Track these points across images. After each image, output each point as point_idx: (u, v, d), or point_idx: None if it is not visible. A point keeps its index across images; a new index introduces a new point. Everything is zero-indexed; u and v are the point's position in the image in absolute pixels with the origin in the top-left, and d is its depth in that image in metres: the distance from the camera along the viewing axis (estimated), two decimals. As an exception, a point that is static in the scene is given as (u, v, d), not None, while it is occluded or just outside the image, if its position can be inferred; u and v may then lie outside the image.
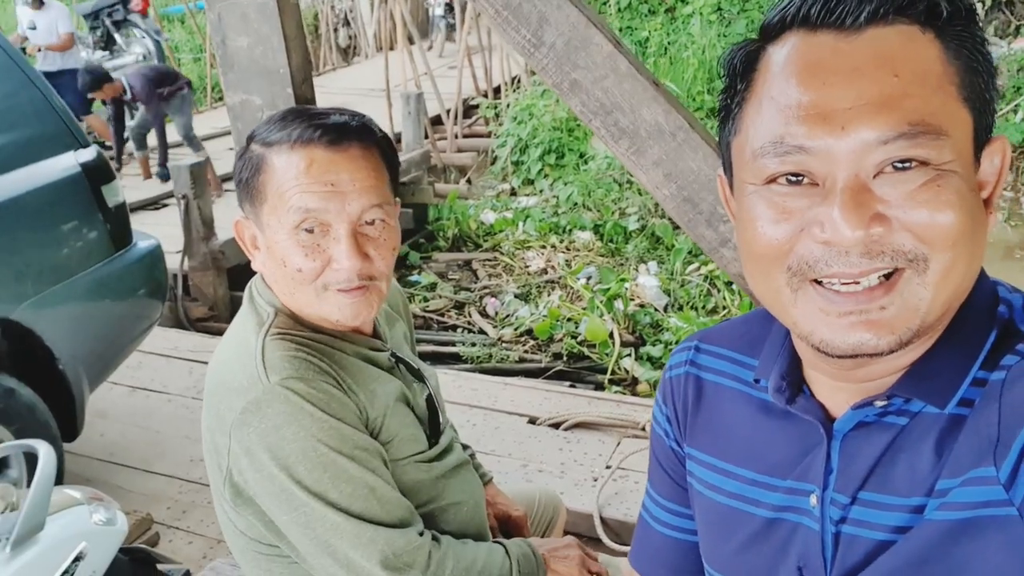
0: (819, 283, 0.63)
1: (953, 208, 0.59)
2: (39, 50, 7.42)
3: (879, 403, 0.68)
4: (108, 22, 8.62)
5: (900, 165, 0.59)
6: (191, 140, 6.86)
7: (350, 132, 1.09)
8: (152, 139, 6.92)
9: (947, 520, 0.62)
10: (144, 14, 8.46)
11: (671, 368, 0.90)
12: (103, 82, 6.52)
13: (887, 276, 0.61)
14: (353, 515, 1.06)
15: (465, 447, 1.50)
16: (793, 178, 0.62)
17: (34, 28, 7.45)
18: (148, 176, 6.96)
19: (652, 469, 0.95)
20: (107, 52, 8.74)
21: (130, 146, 7.06)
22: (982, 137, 0.63)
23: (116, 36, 8.70)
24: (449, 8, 11.64)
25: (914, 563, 0.64)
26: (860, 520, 0.69)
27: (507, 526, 1.52)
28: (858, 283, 0.61)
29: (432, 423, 1.27)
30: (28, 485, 1.58)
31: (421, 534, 1.13)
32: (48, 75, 7.51)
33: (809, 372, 0.75)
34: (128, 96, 6.53)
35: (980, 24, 0.63)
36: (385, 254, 1.13)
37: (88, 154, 2.63)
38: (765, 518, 0.77)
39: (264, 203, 1.10)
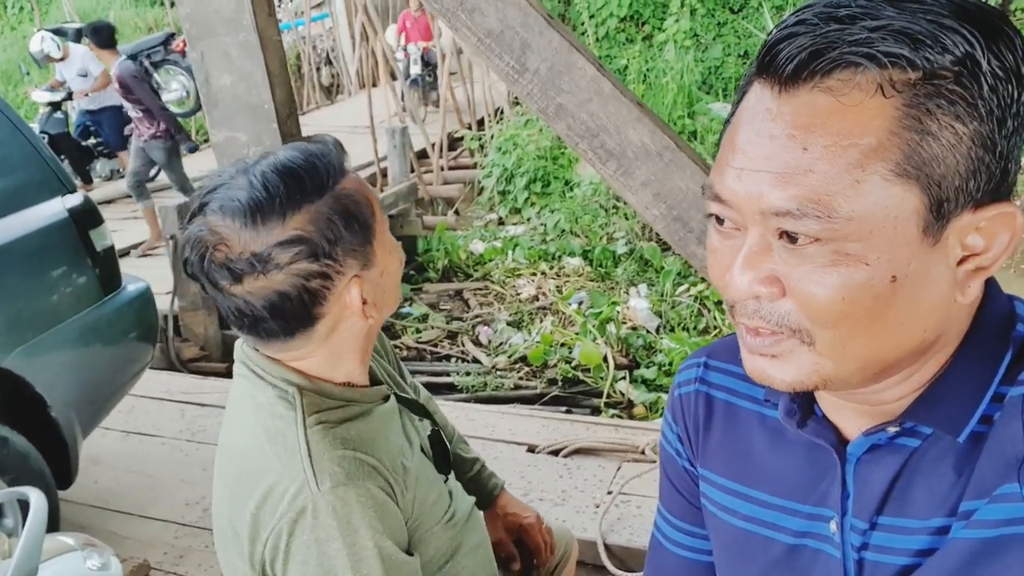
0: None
1: (834, 295, 0.57)
2: (86, 95, 7.45)
3: (892, 429, 0.66)
4: (147, 63, 8.70)
5: (789, 239, 0.58)
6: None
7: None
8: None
9: (973, 539, 0.61)
10: (183, 54, 8.53)
11: (680, 385, 0.88)
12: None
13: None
14: None
15: (474, 460, 1.49)
16: (720, 220, 0.64)
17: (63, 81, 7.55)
18: (159, 237, 6.07)
19: (664, 489, 0.93)
20: None
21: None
22: (944, 209, 0.56)
23: (155, 75, 8.77)
24: (427, 66, 10.03)
25: None
26: (881, 546, 0.68)
27: (520, 535, 1.51)
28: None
29: (439, 459, 1.24)
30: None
31: None
32: (89, 112, 7.63)
33: (820, 392, 0.72)
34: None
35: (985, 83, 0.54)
36: None
37: (75, 199, 2.62)
38: (786, 544, 0.75)
39: (375, 237, 1.04)
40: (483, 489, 1.51)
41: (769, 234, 0.60)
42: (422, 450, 1.20)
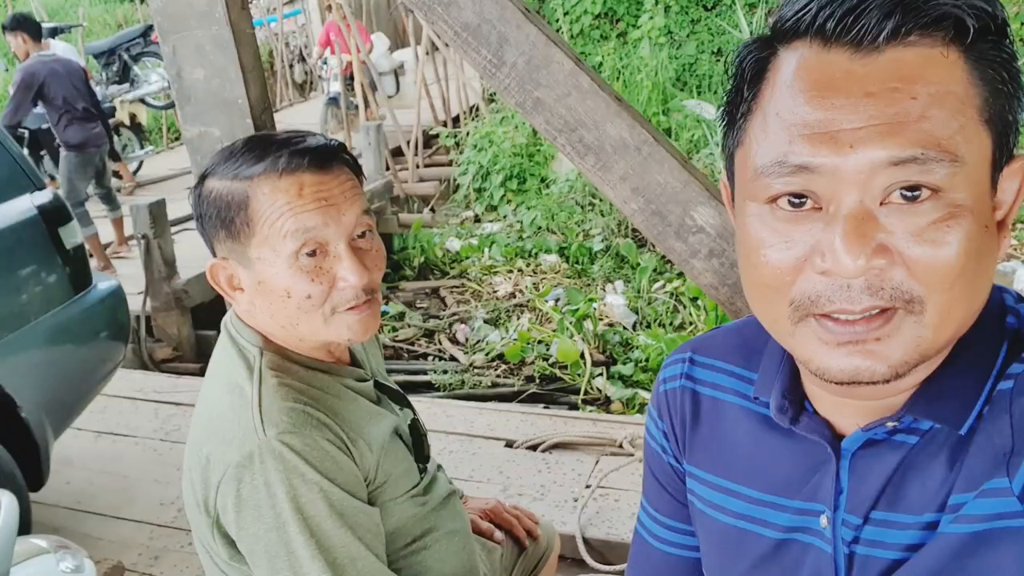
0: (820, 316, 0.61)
1: (957, 250, 0.57)
2: None
3: (891, 424, 0.66)
4: (126, 56, 8.50)
5: (909, 194, 0.56)
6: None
7: (333, 153, 1.10)
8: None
9: (961, 533, 0.61)
10: None
11: (665, 381, 0.87)
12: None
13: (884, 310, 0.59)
14: None
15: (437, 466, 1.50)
16: (795, 200, 0.60)
17: None
18: (108, 264, 5.74)
19: (648, 485, 0.92)
20: (125, 84, 8.59)
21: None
22: (1001, 159, 0.60)
23: (134, 68, 8.58)
24: (350, 84, 8.66)
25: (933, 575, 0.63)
26: (873, 540, 0.68)
27: (490, 515, 1.55)
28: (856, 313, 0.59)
29: (418, 448, 1.26)
30: (-5, 537, 1.53)
31: None
32: None
33: (811, 388, 0.72)
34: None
35: (1011, 39, 0.59)
36: (380, 264, 1.14)
37: (44, 196, 2.58)
38: (774, 539, 0.75)
39: (252, 237, 1.07)
40: None
41: (871, 198, 0.57)
42: (399, 434, 1.21)
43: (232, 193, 1.08)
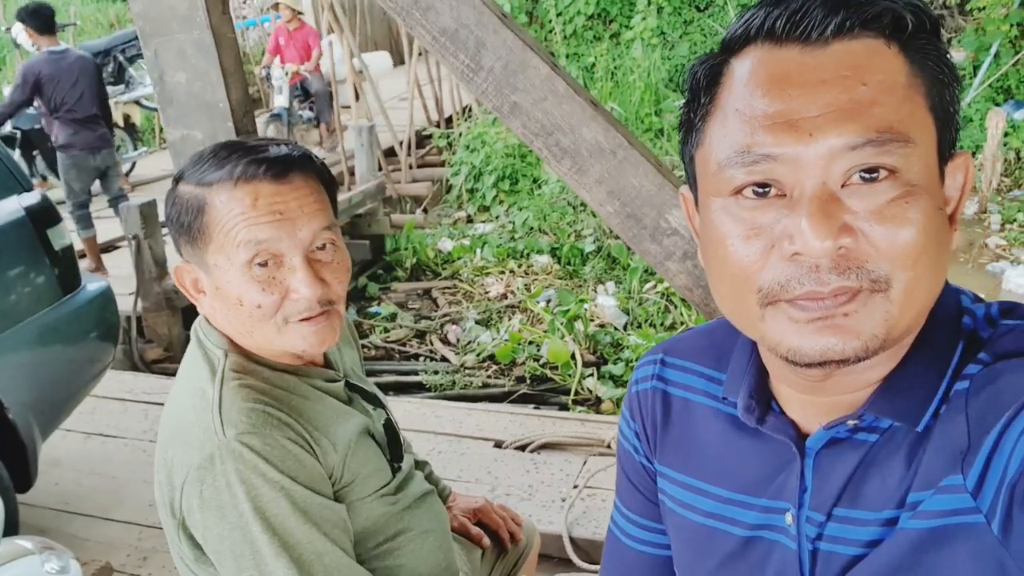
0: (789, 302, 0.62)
1: (917, 227, 0.59)
2: None
3: (851, 422, 0.68)
4: (121, 57, 8.42)
5: (868, 175, 0.59)
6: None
7: (292, 163, 1.09)
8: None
9: (919, 529, 0.63)
10: None
11: (637, 382, 0.89)
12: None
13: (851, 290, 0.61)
14: None
15: (423, 464, 1.51)
16: (760, 189, 0.62)
17: None
18: (100, 267, 5.65)
19: (621, 485, 0.94)
20: (120, 85, 8.51)
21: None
22: (946, 150, 0.63)
23: (129, 69, 8.49)
24: (304, 98, 7.94)
25: (890, 571, 0.64)
26: (835, 536, 0.69)
27: (479, 519, 1.57)
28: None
29: (393, 447, 1.27)
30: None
31: None
32: None
33: (778, 387, 0.74)
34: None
35: (943, 37, 0.64)
36: (341, 276, 1.13)
37: (32, 197, 2.59)
38: (742, 537, 0.77)
39: (209, 244, 1.08)
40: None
41: (833, 181, 0.59)
42: (371, 435, 1.23)
43: (193, 198, 1.08)
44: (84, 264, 5.26)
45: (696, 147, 0.68)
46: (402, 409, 3.46)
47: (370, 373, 5.20)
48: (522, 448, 3.07)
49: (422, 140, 8.78)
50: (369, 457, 1.20)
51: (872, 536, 0.67)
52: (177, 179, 1.13)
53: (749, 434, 0.77)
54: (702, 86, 0.67)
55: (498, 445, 3.13)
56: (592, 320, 5.35)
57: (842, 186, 0.60)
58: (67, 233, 2.72)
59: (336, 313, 1.14)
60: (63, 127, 5.46)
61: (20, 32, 6.02)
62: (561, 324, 5.20)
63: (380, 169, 7.41)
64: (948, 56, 0.63)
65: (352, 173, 7.06)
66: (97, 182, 5.80)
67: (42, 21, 5.37)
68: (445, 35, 1.36)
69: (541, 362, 4.98)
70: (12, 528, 2.41)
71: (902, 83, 0.60)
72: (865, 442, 0.68)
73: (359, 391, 1.27)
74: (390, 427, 1.30)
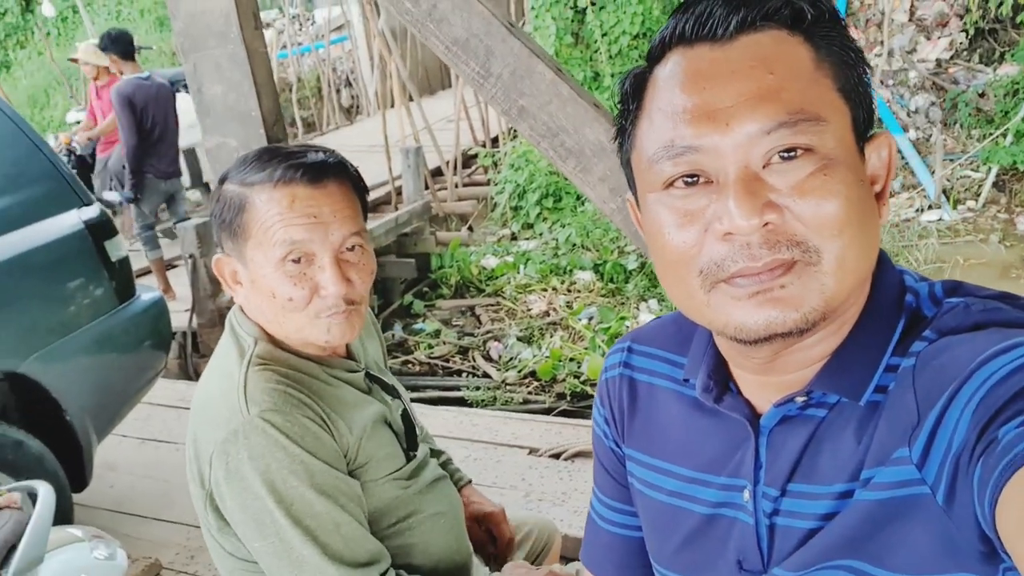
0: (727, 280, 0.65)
1: (839, 196, 0.62)
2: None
3: (799, 399, 0.71)
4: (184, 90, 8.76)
5: (786, 155, 0.62)
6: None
7: (328, 169, 1.18)
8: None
9: (870, 500, 0.65)
10: None
11: (606, 370, 0.93)
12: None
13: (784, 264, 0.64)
14: (316, 550, 1.11)
15: (439, 452, 1.57)
16: (689, 179, 0.65)
17: None
18: (169, 289, 5.72)
19: (596, 470, 0.98)
20: None
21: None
22: (862, 128, 0.67)
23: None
24: (80, 162, 6.41)
25: (844, 542, 0.67)
26: (791, 511, 0.72)
27: (485, 522, 1.58)
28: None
29: (409, 437, 1.34)
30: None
31: (385, 573, 1.18)
32: None
33: (735, 371, 0.77)
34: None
35: (844, 24, 0.67)
36: (365, 278, 1.22)
37: (91, 212, 2.74)
38: (703, 515, 0.80)
39: (248, 239, 1.17)
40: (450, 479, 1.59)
41: (755, 163, 0.63)
42: (388, 424, 1.30)
43: (236, 197, 1.18)
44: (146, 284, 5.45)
45: (631, 150, 0.74)
46: (440, 417, 3.53)
47: (414, 388, 5.27)
48: (556, 456, 3.11)
49: (468, 160, 8.92)
50: (383, 442, 1.27)
51: (826, 509, 0.69)
52: (223, 179, 1.23)
53: (708, 414, 0.80)
54: (629, 94, 0.72)
55: (532, 453, 3.17)
56: (634, 336, 5.34)
57: (764, 167, 0.64)
58: (124, 246, 2.88)
59: (357, 312, 1.22)
60: (142, 151, 5.41)
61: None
62: (602, 341, 5.22)
63: (427, 188, 7.55)
64: (853, 42, 0.67)
65: (399, 193, 7.22)
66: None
67: (125, 47, 5.43)
68: (457, 44, 1.45)
69: (582, 379, 5.00)
70: (65, 523, 2.53)
71: (808, 68, 0.64)
72: (814, 417, 0.71)
73: (379, 382, 1.34)
74: (407, 417, 1.36)
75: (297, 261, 1.15)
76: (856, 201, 0.64)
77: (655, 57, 0.70)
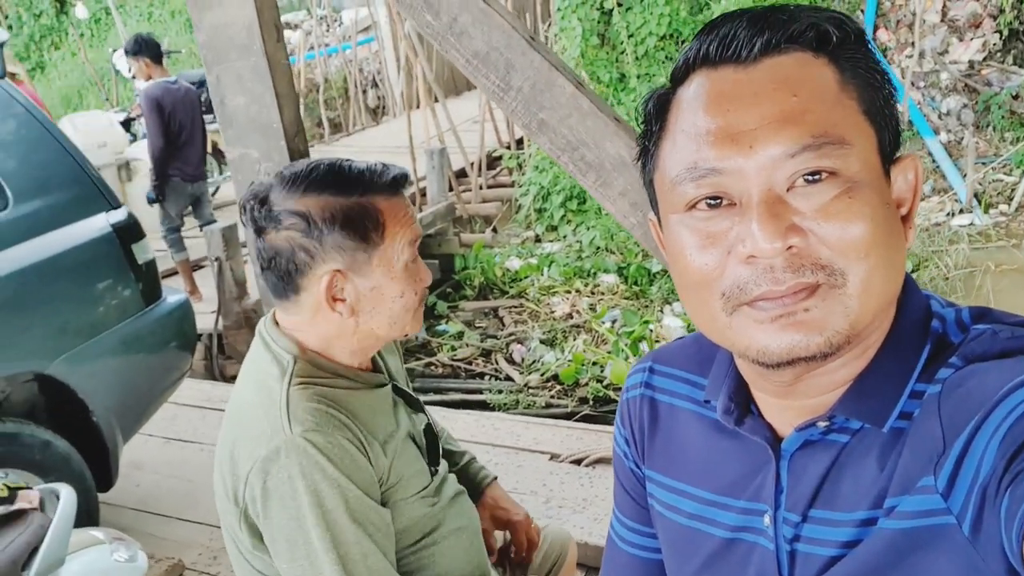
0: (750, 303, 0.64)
1: (864, 219, 0.62)
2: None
3: (822, 424, 0.70)
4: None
5: (811, 178, 0.62)
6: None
7: (399, 182, 1.24)
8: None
9: (894, 529, 0.64)
10: None
11: (627, 390, 0.92)
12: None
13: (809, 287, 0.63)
14: None
15: (463, 453, 1.57)
16: (712, 201, 0.65)
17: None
18: (195, 290, 5.78)
19: (616, 491, 0.97)
20: (211, 115, 8.88)
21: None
22: (888, 151, 0.66)
23: None
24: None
25: (867, 571, 0.65)
26: (812, 538, 0.71)
27: (509, 529, 1.58)
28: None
29: (431, 452, 1.34)
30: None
31: None
32: None
33: (756, 393, 0.76)
34: None
35: (871, 45, 0.67)
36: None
37: (119, 215, 2.78)
38: (723, 538, 0.79)
39: (377, 247, 1.18)
40: (472, 480, 1.59)
41: (779, 186, 0.62)
42: (412, 438, 1.29)
43: (367, 207, 1.19)
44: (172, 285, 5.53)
45: (653, 171, 0.73)
46: (462, 422, 3.53)
47: (436, 390, 5.26)
48: (577, 462, 3.10)
49: (493, 161, 8.92)
50: (411, 460, 1.26)
51: (847, 537, 0.68)
52: (289, 198, 1.20)
53: (729, 436, 0.79)
54: (653, 115, 0.72)
55: (554, 458, 3.16)
56: (657, 341, 5.31)
57: (788, 190, 0.63)
58: (150, 248, 2.91)
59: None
60: (169, 154, 5.46)
61: (120, 59, 6.06)
62: (625, 345, 5.19)
63: (451, 190, 7.57)
64: (878, 64, 0.66)
65: (424, 194, 7.24)
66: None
67: (155, 51, 5.50)
68: (477, 58, 1.45)
69: (605, 383, 4.98)
70: (91, 523, 2.57)
71: (833, 90, 0.63)
72: (836, 443, 0.70)
73: (405, 396, 1.34)
74: (430, 432, 1.36)
75: (414, 261, 1.25)
76: (882, 223, 0.63)
77: (679, 78, 0.69)
